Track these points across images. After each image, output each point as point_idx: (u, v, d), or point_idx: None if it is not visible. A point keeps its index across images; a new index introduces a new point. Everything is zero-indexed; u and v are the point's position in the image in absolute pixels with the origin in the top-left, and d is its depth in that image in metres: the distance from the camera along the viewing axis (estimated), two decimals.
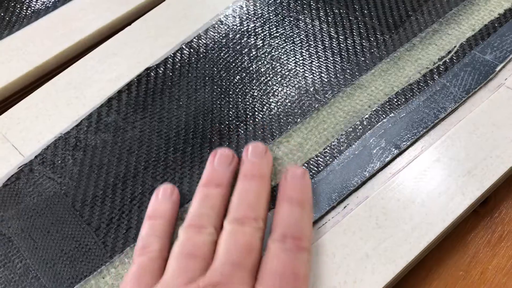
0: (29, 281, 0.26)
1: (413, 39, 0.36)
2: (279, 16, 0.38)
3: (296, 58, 0.35)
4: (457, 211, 0.28)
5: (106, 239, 0.27)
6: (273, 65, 0.35)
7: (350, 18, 0.37)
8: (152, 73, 0.35)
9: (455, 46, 0.35)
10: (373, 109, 0.32)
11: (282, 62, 0.35)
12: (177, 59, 0.35)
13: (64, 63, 0.37)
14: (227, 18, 0.38)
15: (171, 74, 0.35)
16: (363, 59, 0.35)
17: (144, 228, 0.27)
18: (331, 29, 0.37)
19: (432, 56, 0.35)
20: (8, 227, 0.28)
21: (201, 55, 0.36)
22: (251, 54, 0.36)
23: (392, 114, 0.32)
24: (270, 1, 0.39)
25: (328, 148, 0.31)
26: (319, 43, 0.36)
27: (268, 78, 0.34)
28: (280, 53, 0.36)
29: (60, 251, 0.27)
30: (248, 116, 0.32)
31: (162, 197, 0.28)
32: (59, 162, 0.31)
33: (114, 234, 0.28)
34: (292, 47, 0.36)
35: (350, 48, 0.35)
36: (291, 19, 0.37)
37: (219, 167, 0.28)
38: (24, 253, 0.27)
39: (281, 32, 0.37)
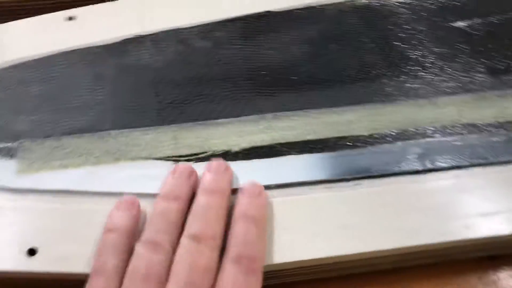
0: (96, 109, 0.34)
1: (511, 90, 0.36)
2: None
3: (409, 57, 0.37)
4: (452, 237, 0.29)
5: (160, 112, 0.34)
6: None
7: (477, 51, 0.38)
8: (270, 16, 0.39)
9: None
10: (432, 126, 0.33)
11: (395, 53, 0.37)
12: (295, 15, 0.40)
13: None
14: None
15: (284, 25, 0.39)
16: (452, 84, 0.36)
17: (100, 243, 0.27)
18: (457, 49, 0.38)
19: None
20: (108, 72, 0.36)
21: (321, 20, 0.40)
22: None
23: (446, 138, 0.33)
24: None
25: (373, 136, 0.33)
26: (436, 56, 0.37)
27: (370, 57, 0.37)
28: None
29: (127, 101, 0.34)
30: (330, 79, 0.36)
31: (122, 211, 0.28)
32: (163, 46, 0.37)
33: (169, 111, 0.34)
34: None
35: (447, 69, 0.37)
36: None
37: (178, 179, 0.29)
38: (106, 91, 0.35)
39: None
